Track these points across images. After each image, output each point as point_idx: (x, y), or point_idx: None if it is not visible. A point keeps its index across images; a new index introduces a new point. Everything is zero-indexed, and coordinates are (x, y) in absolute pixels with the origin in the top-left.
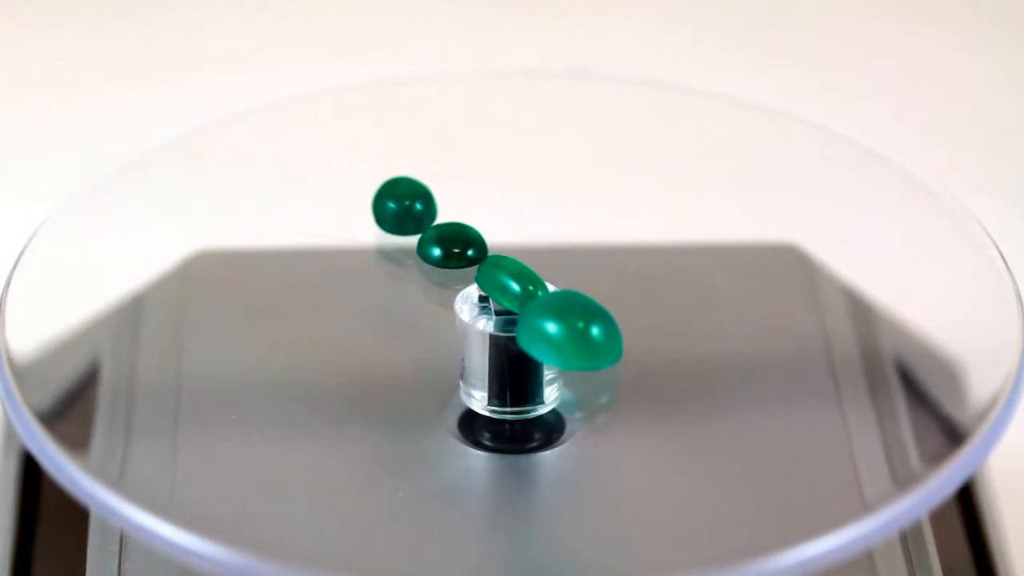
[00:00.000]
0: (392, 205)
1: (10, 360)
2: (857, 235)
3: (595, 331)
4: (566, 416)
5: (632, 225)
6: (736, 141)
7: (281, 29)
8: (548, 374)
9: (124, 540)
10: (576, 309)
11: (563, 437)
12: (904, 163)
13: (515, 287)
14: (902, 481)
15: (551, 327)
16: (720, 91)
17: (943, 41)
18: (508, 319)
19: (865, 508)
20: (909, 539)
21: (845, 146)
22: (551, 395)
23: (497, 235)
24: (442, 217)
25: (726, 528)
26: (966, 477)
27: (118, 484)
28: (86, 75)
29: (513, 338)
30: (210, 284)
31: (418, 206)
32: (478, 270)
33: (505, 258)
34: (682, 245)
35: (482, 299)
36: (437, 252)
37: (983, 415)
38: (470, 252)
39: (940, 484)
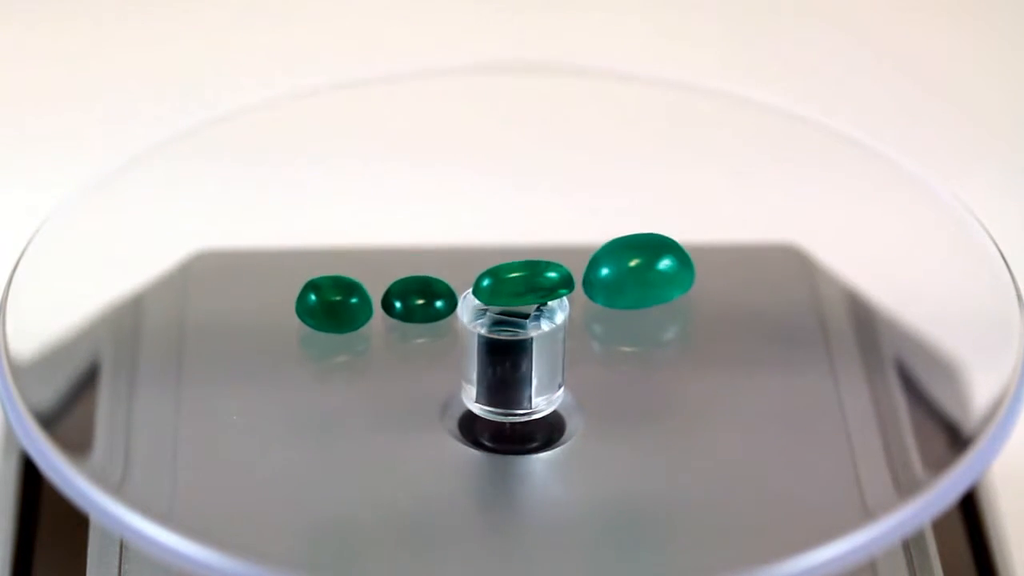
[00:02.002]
0: (313, 298)
1: (10, 361)
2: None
3: (664, 263)
4: (567, 417)
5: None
6: (736, 141)
7: (281, 28)
8: (550, 376)
9: (125, 542)
10: (644, 245)
11: (563, 438)
12: (904, 163)
13: (528, 274)
14: (905, 488)
15: (629, 265)
16: (720, 90)
17: (946, 41)
18: (508, 321)
19: (868, 516)
20: (911, 543)
21: (845, 145)
22: (552, 397)
23: (496, 235)
24: (445, 209)
25: (726, 535)
26: (970, 484)
27: (118, 491)
28: (86, 75)
29: (515, 341)
30: (210, 284)
31: (353, 300)
32: (480, 292)
33: (499, 267)
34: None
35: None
36: (399, 306)
37: (986, 421)
38: (438, 304)
39: (943, 492)
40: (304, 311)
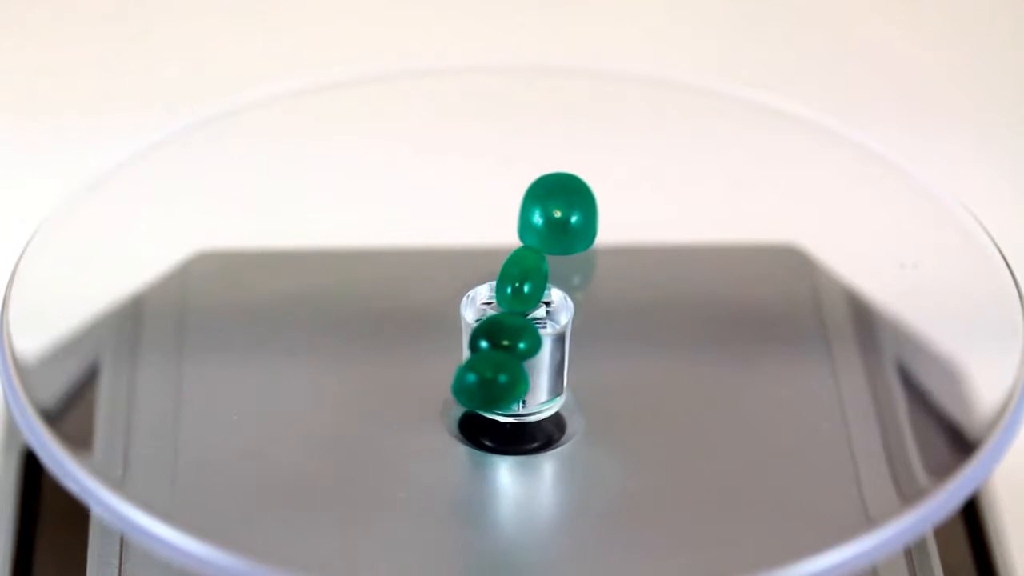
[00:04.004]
0: (472, 379)
1: (14, 359)
2: (914, 263)
3: (574, 219)
4: (567, 417)
5: (633, 225)
6: (736, 141)
7: (281, 28)
8: (552, 377)
9: (125, 540)
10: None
11: (563, 438)
12: (904, 163)
13: (503, 279)
14: (907, 492)
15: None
16: (720, 90)
17: (944, 41)
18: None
19: (869, 522)
20: (912, 548)
21: (845, 146)
22: (554, 398)
23: (495, 235)
24: (445, 209)
25: (726, 538)
26: (973, 490)
27: (119, 486)
28: (85, 74)
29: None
30: (210, 284)
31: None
32: (513, 301)
33: (532, 252)
34: (682, 245)
35: (486, 303)
36: (485, 346)
37: (989, 427)
38: (521, 345)
39: (946, 498)
40: (462, 392)
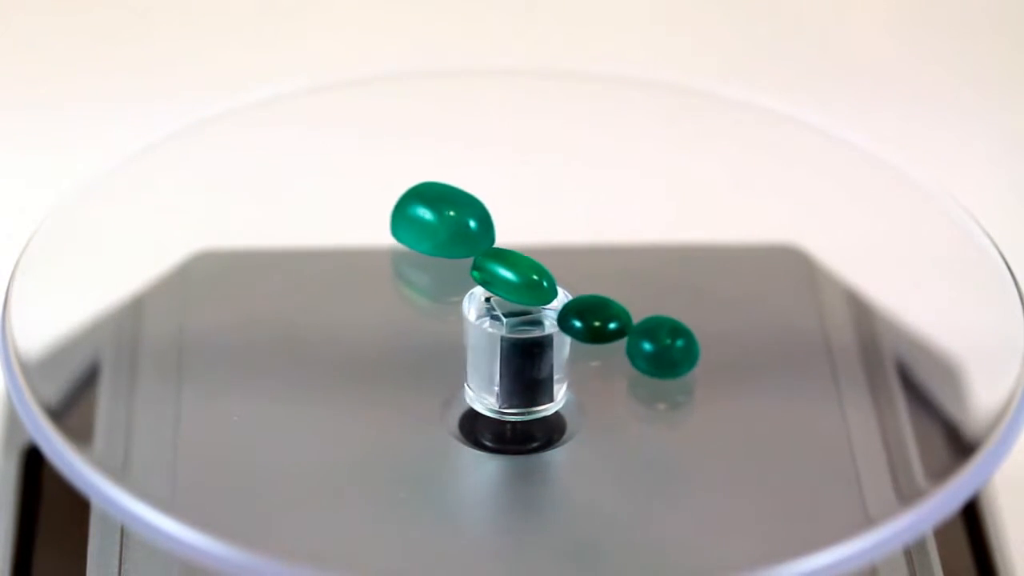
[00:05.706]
0: (649, 347)
1: (18, 357)
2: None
3: (472, 223)
4: (567, 417)
5: (633, 225)
6: (736, 141)
7: (280, 28)
8: (554, 376)
9: (125, 539)
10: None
11: (564, 438)
12: (903, 164)
13: (514, 277)
14: (907, 493)
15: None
16: (720, 91)
17: (943, 43)
18: (515, 320)
19: (869, 522)
20: (912, 548)
21: (845, 147)
22: (555, 397)
23: (499, 235)
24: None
25: (725, 538)
26: (973, 491)
27: (120, 476)
28: (85, 74)
29: (519, 339)
30: (210, 284)
31: (680, 342)
32: (474, 265)
33: (506, 251)
34: (682, 245)
35: (488, 299)
36: (579, 325)
37: (989, 428)
38: (612, 326)
39: (946, 499)
40: (639, 358)
